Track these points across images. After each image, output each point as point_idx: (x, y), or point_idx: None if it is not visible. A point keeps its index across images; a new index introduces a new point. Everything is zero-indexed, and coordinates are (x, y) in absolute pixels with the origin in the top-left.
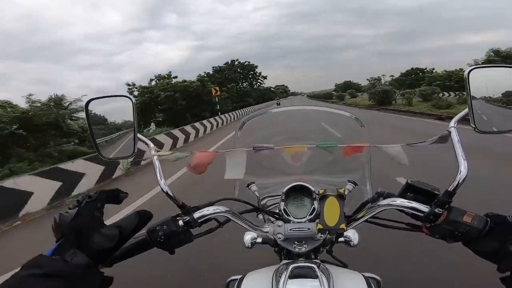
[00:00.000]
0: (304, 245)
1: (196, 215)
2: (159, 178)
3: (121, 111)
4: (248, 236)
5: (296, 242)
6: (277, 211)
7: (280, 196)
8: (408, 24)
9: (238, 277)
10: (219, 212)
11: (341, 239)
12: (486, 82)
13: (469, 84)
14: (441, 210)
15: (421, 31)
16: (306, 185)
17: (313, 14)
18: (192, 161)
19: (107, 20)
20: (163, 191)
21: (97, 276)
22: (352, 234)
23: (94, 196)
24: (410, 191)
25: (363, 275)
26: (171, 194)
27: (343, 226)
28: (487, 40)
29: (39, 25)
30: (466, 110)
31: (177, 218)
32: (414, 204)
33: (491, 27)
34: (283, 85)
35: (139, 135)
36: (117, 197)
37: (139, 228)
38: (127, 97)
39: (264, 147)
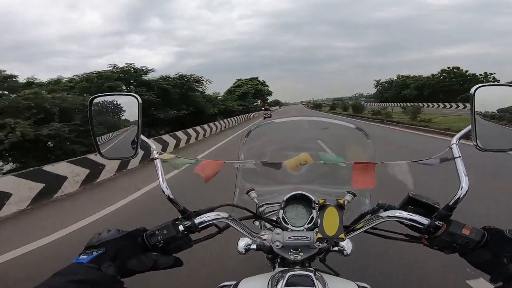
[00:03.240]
0: (300, 253)
1: (197, 220)
2: (161, 181)
3: (125, 110)
4: (243, 243)
5: (292, 250)
6: (275, 218)
7: (278, 204)
8: (387, 38)
9: (230, 283)
10: (220, 218)
11: (335, 248)
12: (491, 100)
13: (474, 102)
14: (441, 222)
15: (399, 45)
16: (307, 194)
17: (297, 25)
18: (198, 168)
19: (86, 21)
20: (164, 194)
21: (120, 286)
22: (346, 243)
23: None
24: (411, 204)
25: (357, 284)
26: (172, 198)
27: (342, 236)
28: (461, 53)
29: (11, 24)
30: (469, 127)
31: (177, 223)
32: (415, 217)
33: (465, 40)
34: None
35: (142, 136)
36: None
37: (168, 268)
38: (133, 96)
39: (272, 164)
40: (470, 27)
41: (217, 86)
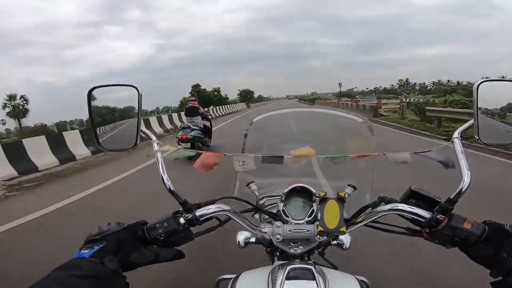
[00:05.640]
0: (300, 247)
1: (198, 213)
2: (161, 173)
3: (125, 101)
4: (242, 236)
5: (291, 244)
6: (275, 211)
7: (278, 197)
8: (370, 36)
9: (229, 276)
10: (221, 211)
11: (334, 242)
12: (494, 95)
13: (477, 96)
14: (442, 216)
15: (381, 43)
16: (307, 187)
17: (282, 20)
18: (198, 161)
19: (59, 10)
20: (165, 187)
21: (122, 280)
22: (345, 237)
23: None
24: (413, 197)
25: (355, 277)
26: (173, 190)
27: (343, 229)
28: (441, 53)
29: None
30: (471, 121)
31: (178, 216)
32: (417, 210)
33: (445, 40)
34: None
35: (142, 128)
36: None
37: (169, 260)
38: (133, 86)
39: (273, 158)
40: (449, 28)
41: (200, 80)
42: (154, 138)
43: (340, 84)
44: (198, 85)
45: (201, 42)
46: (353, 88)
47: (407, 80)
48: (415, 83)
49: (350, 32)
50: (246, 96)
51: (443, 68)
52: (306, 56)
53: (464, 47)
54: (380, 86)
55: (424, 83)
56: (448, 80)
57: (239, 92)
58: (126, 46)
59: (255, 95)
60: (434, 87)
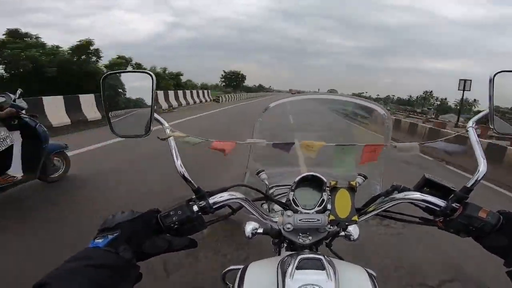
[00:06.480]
0: (309, 237)
1: (211, 200)
2: (175, 159)
3: (139, 87)
4: (250, 226)
5: (301, 234)
6: (284, 201)
7: (288, 186)
8: (383, 42)
9: (238, 266)
10: (234, 199)
11: (342, 233)
12: (510, 86)
13: (493, 87)
14: (457, 205)
15: (392, 51)
16: (318, 175)
17: (299, 14)
18: (211, 147)
19: None
20: (179, 173)
21: (136, 270)
22: (353, 228)
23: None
24: (427, 185)
25: (365, 269)
26: (187, 177)
27: (355, 218)
28: (453, 68)
29: None
30: (486, 111)
31: (191, 203)
32: (431, 198)
33: (460, 56)
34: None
35: (155, 115)
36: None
37: (182, 249)
38: (147, 73)
39: (283, 145)
40: (471, 44)
41: (206, 63)
42: (166, 124)
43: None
44: None
45: (212, 25)
46: (362, 93)
47: (431, 92)
48: (437, 98)
49: (365, 35)
50: (232, 82)
51: (455, 83)
52: (315, 53)
53: (483, 65)
54: (393, 95)
55: (445, 99)
56: (475, 100)
57: (223, 75)
58: (136, 19)
59: (254, 84)
60: (457, 106)
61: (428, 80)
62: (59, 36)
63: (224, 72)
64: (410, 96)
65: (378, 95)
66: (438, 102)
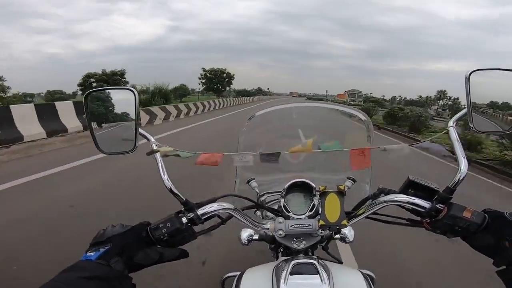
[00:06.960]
0: (303, 242)
1: (200, 211)
2: (161, 173)
3: (122, 104)
4: (245, 233)
5: (294, 239)
6: (276, 207)
7: (279, 193)
8: (384, 44)
9: (235, 273)
10: (223, 209)
11: (337, 236)
12: (486, 84)
13: (469, 85)
14: (442, 205)
15: (393, 53)
16: (307, 181)
17: (298, 16)
18: (198, 160)
19: None
20: (166, 187)
21: (129, 282)
22: (348, 231)
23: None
24: (411, 187)
25: (361, 271)
26: (174, 190)
27: (344, 222)
28: (451, 69)
29: None
30: (465, 110)
31: (180, 215)
32: (416, 200)
33: (462, 57)
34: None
35: (140, 130)
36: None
37: (174, 260)
38: (129, 89)
39: (270, 155)
40: (468, 45)
41: (204, 65)
42: (152, 139)
43: (326, 91)
44: None
45: (211, 28)
46: (367, 94)
47: (444, 91)
48: (450, 97)
49: (365, 37)
50: (214, 84)
51: (461, 84)
52: (316, 55)
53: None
54: (400, 96)
55: (457, 98)
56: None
57: (202, 75)
58: (137, 24)
59: (253, 87)
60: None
61: (434, 81)
62: (60, 41)
63: (204, 70)
64: (420, 96)
65: (383, 96)
66: (450, 102)
